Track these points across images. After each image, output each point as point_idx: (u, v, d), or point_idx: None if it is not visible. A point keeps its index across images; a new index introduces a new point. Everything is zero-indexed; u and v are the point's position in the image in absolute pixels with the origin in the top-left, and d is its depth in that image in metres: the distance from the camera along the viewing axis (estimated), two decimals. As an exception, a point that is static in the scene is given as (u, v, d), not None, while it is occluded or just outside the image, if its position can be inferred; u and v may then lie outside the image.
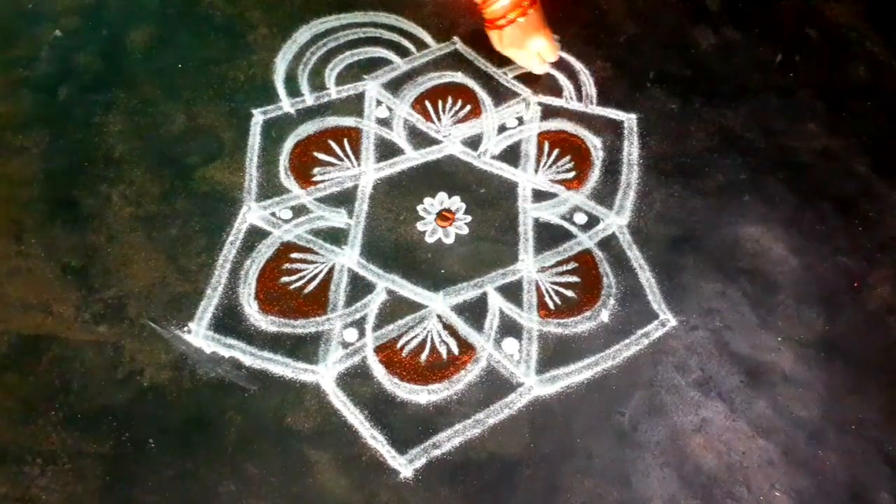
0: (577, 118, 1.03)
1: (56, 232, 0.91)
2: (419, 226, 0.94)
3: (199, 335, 0.85)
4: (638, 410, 0.82)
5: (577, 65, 1.08)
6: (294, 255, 0.91)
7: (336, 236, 0.93)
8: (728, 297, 0.90)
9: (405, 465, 0.78)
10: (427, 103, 1.04)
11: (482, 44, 1.09)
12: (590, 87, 1.06)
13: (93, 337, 0.84)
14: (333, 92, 1.05)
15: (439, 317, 0.88)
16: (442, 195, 0.97)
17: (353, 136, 1.01)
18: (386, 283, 0.89)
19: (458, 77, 1.07)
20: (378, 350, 0.85)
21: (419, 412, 0.81)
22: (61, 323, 0.85)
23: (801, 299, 0.90)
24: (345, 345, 0.85)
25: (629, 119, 1.04)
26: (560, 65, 1.08)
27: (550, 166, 0.99)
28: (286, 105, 1.03)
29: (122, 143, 0.98)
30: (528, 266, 0.92)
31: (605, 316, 0.88)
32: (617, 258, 0.92)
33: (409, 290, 0.89)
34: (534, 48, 1.00)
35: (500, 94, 1.05)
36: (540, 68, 1.04)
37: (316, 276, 0.90)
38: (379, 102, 1.04)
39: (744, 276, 0.92)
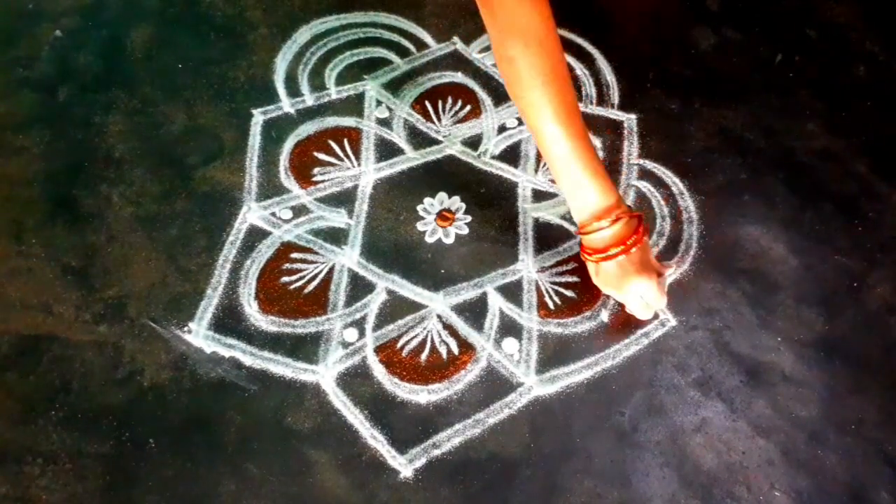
0: (577, 118, 1.03)
1: (56, 232, 0.91)
2: (419, 226, 0.94)
3: (199, 335, 0.85)
4: (638, 410, 0.82)
5: (577, 65, 1.08)
6: (294, 255, 0.91)
7: (336, 236, 0.93)
8: (728, 297, 0.90)
9: (405, 465, 0.78)
10: (427, 103, 1.04)
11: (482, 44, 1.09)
12: (590, 87, 1.06)
13: (93, 337, 0.84)
14: (333, 92, 1.05)
15: (439, 317, 0.88)
16: (442, 195, 0.97)
17: (353, 137, 1.01)
18: (386, 283, 0.89)
19: (458, 77, 1.07)
20: (378, 350, 0.85)
21: (419, 412, 0.81)
22: (61, 323, 0.85)
23: (801, 299, 0.90)
24: (345, 345, 0.85)
25: (629, 119, 1.04)
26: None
27: (550, 166, 0.99)
28: (286, 105, 1.03)
29: (123, 143, 0.98)
30: (528, 266, 0.92)
31: (604, 316, 0.88)
32: (617, 258, 0.92)
33: (409, 290, 0.89)
34: (635, 292, 0.83)
35: (500, 94, 1.05)
36: (644, 313, 0.85)
37: (316, 276, 0.90)
38: (379, 102, 1.04)
39: (744, 276, 0.92)
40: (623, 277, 0.82)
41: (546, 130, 0.78)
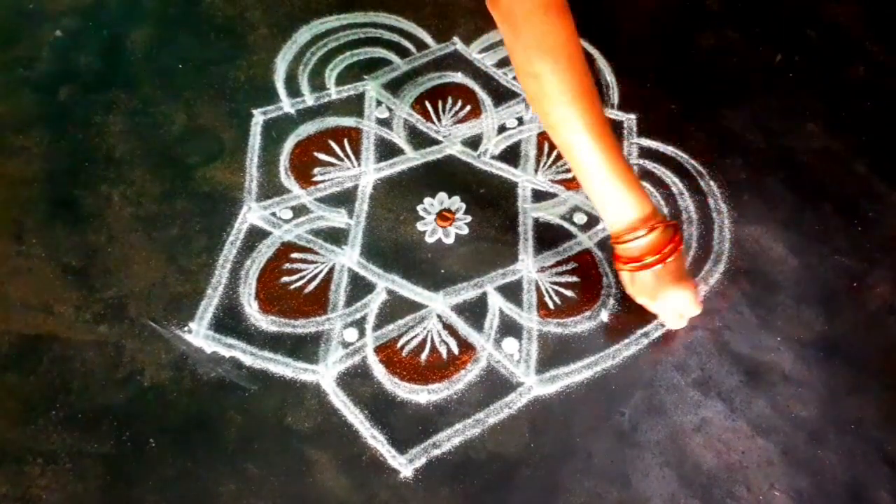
0: (577, 118, 1.03)
1: (56, 232, 0.91)
2: (419, 226, 0.94)
3: (199, 335, 0.85)
4: (638, 410, 0.82)
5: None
6: (294, 255, 0.91)
7: (336, 236, 0.93)
8: (728, 297, 0.90)
9: (405, 465, 0.78)
10: (427, 103, 1.04)
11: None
12: (590, 87, 1.06)
13: (93, 337, 0.84)
14: (333, 92, 1.05)
15: (439, 317, 0.88)
16: (442, 195, 0.97)
17: (353, 137, 1.01)
18: (386, 283, 0.89)
19: (458, 77, 1.07)
20: (378, 350, 0.85)
21: (419, 412, 0.81)
22: (61, 323, 0.85)
23: (800, 299, 0.90)
24: (345, 345, 0.85)
25: (629, 119, 1.04)
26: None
27: (550, 166, 1.00)
28: (286, 105, 1.03)
29: (123, 143, 0.98)
30: (528, 266, 0.92)
31: (604, 316, 0.88)
32: (617, 258, 0.92)
33: (409, 290, 0.89)
34: (672, 301, 0.82)
35: (500, 94, 1.05)
36: (676, 323, 0.86)
37: (316, 276, 0.90)
38: (379, 102, 1.04)
39: (744, 276, 0.92)
40: (660, 287, 0.81)
41: (576, 144, 0.76)
